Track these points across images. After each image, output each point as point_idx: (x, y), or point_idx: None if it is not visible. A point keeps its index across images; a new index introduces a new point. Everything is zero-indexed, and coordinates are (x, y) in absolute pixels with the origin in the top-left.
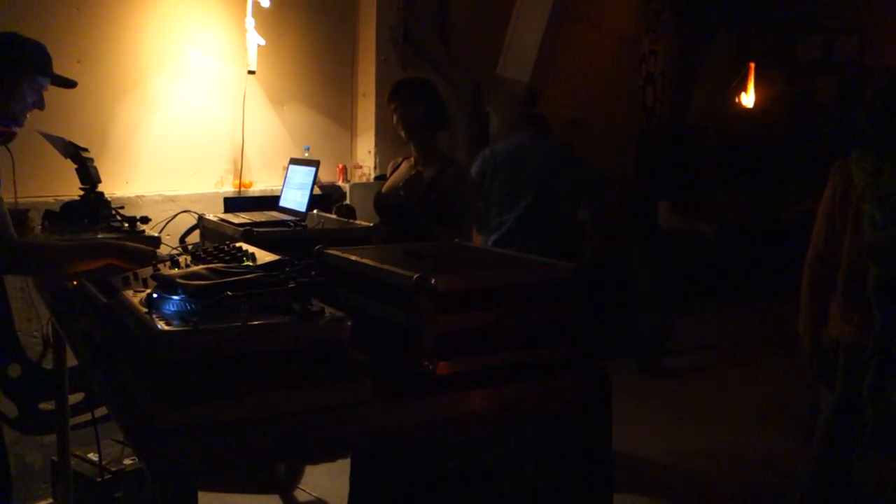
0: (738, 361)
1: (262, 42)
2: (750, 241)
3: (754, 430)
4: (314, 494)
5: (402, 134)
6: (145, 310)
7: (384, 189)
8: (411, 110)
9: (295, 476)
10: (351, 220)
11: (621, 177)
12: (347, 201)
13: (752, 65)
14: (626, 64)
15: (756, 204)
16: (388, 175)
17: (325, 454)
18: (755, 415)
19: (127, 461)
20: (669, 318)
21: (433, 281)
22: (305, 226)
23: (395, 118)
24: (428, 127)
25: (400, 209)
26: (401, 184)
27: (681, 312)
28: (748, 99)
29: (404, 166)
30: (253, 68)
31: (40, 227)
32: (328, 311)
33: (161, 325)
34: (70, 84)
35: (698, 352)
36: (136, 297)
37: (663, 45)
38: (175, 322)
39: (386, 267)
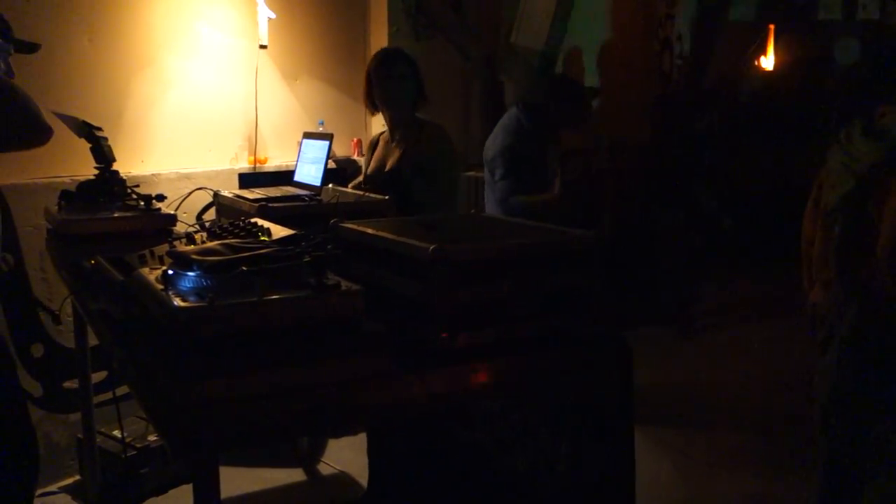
0: (753, 323)
1: (273, 15)
2: (768, 205)
3: (767, 390)
4: (337, 467)
5: (388, 106)
6: (161, 287)
7: (369, 171)
8: (412, 83)
9: (318, 450)
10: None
11: (638, 143)
12: (362, 175)
13: (772, 27)
14: (642, 29)
15: (776, 167)
16: (369, 155)
17: (344, 428)
18: (769, 375)
19: (151, 437)
20: (692, 280)
21: (449, 252)
22: (320, 200)
23: (386, 88)
24: (417, 98)
25: (387, 187)
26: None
27: (701, 277)
28: (768, 62)
29: (381, 142)
30: (264, 42)
31: (57, 207)
32: (344, 284)
33: (177, 301)
34: (33, 47)
35: (717, 314)
36: (151, 274)
37: (680, 9)
38: (191, 298)
39: (402, 239)
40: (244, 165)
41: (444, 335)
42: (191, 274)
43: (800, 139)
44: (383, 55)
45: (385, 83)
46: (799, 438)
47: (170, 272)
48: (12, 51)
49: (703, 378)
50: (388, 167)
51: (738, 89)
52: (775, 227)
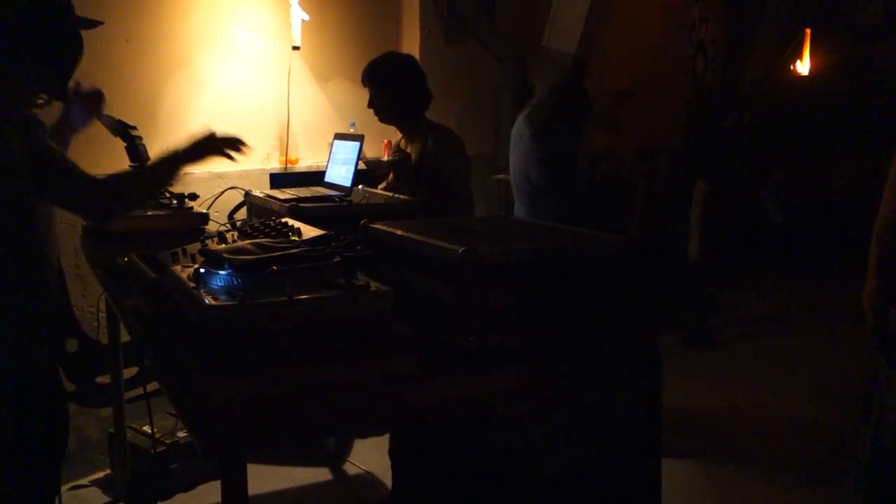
0: (786, 334)
1: (306, 17)
2: (803, 211)
3: (799, 401)
4: (363, 467)
5: (378, 119)
6: (193, 285)
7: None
8: (380, 99)
9: (344, 449)
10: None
11: (669, 148)
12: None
13: (808, 31)
14: (675, 32)
15: (811, 174)
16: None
17: (371, 428)
18: (802, 387)
19: (181, 433)
20: (717, 290)
21: (479, 254)
22: (350, 201)
23: (369, 105)
24: (403, 110)
25: (392, 187)
26: (388, 163)
27: (729, 285)
28: (803, 66)
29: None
30: (297, 44)
31: None
32: (374, 284)
33: (208, 299)
34: (94, 24)
35: (746, 324)
36: (184, 272)
37: (714, 12)
38: (222, 297)
39: (432, 241)
40: (276, 165)
41: (472, 338)
42: (222, 273)
43: (840, 145)
44: (363, 70)
45: (369, 100)
46: (831, 450)
47: (202, 271)
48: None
49: (731, 388)
50: (392, 175)
51: (773, 94)
52: (813, 234)
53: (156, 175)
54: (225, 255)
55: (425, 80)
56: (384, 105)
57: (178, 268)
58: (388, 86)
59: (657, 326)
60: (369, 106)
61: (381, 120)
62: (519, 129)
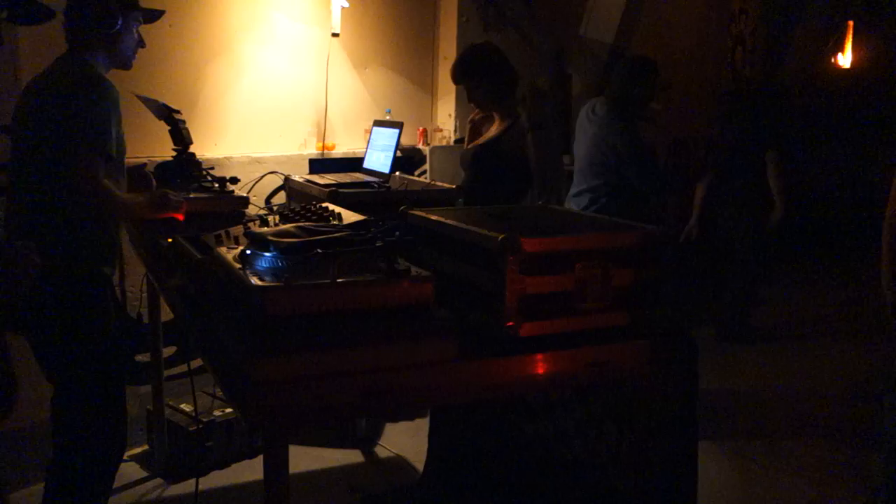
0: (822, 330)
1: (346, 4)
2: (844, 206)
3: (833, 398)
4: (393, 451)
5: (479, 109)
6: (239, 266)
7: (467, 144)
8: (478, 91)
9: (375, 432)
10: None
11: (707, 140)
12: (427, 165)
13: (851, 23)
14: (714, 24)
15: (853, 168)
16: (466, 134)
17: (409, 411)
18: (836, 385)
19: (217, 412)
20: (757, 284)
21: (518, 242)
22: (389, 187)
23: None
24: (496, 98)
25: (472, 162)
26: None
27: (766, 280)
28: (845, 59)
29: (478, 122)
30: (337, 31)
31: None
32: (414, 270)
33: (255, 280)
34: (157, 15)
35: (783, 320)
36: (229, 253)
37: (754, 4)
38: (267, 278)
39: (472, 228)
40: (312, 151)
41: (509, 324)
42: (267, 255)
43: (880, 140)
44: (451, 67)
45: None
46: (860, 447)
47: (247, 252)
48: (142, 19)
49: (767, 383)
50: (475, 144)
51: (814, 87)
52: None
53: (115, 203)
54: (270, 237)
55: (509, 61)
56: (485, 95)
57: (223, 249)
58: (484, 76)
59: (693, 318)
60: (470, 100)
61: (483, 109)
62: (589, 113)
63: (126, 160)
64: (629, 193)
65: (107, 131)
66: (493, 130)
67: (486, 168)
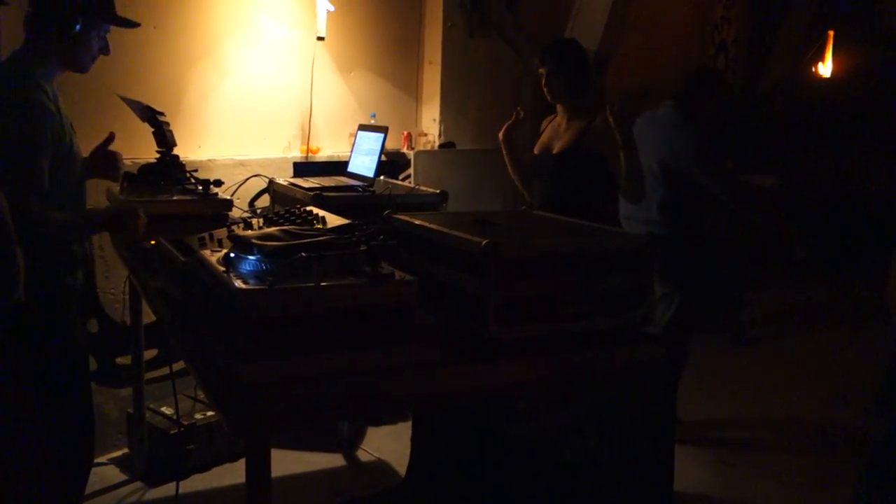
0: (808, 333)
1: (331, 8)
2: (828, 213)
3: (821, 402)
4: (375, 455)
5: (549, 98)
6: (223, 269)
7: (536, 150)
8: (557, 78)
9: (357, 436)
10: None
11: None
12: (412, 169)
13: (831, 33)
14: (696, 31)
15: (835, 176)
16: (539, 134)
17: (391, 414)
18: (824, 388)
19: (198, 416)
20: (741, 290)
21: (501, 247)
22: (373, 191)
23: (542, 82)
24: (570, 92)
25: (555, 168)
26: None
27: (755, 285)
28: (826, 68)
29: (553, 123)
30: (322, 34)
31: (119, 188)
32: (398, 273)
33: (238, 283)
34: (132, 24)
35: (770, 323)
36: (213, 256)
37: (737, 12)
38: (251, 281)
39: (455, 233)
40: (296, 154)
41: (491, 328)
42: (251, 258)
43: (860, 148)
44: (542, 48)
45: (541, 76)
46: (845, 452)
47: (231, 255)
48: (108, 29)
49: (752, 387)
50: (555, 150)
51: (794, 95)
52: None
53: (64, 230)
54: (254, 240)
55: (590, 65)
56: (563, 85)
57: (207, 252)
58: (567, 64)
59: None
60: (545, 84)
61: (553, 99)
62: (651, 119)
63: None
64: (703, 200)
65: (35, 167)
66: (570, 135)
67: (571, 173)
